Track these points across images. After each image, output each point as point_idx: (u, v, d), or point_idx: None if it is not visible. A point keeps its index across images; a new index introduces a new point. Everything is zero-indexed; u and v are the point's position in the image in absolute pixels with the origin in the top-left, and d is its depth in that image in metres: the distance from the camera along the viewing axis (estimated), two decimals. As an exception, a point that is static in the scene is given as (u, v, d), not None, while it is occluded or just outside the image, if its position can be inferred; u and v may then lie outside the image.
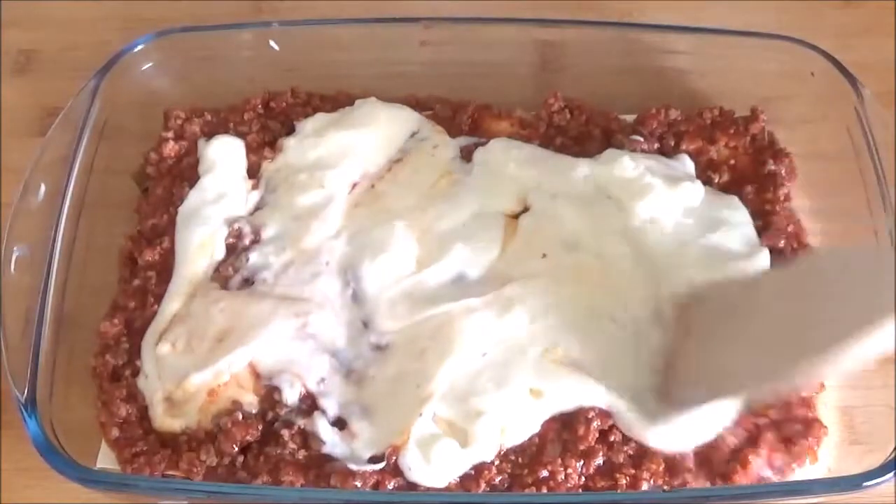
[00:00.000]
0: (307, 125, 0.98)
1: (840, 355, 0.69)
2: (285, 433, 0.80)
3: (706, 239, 0.89)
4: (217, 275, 0.89)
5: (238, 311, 0.86)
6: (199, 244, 0.90)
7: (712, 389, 0.79)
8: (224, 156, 0.96)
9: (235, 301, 0.87)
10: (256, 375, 0.83)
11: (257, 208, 0.94)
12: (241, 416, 0.81)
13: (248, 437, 0.80)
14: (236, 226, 0.92)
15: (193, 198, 0.93)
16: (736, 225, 0.90)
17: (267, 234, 0.91)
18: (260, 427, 0.81)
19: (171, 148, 0.97)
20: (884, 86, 0.99)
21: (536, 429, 0.81)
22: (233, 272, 0.89)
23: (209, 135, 0.98)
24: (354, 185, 0.95)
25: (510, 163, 0.94)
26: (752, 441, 0.80)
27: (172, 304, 0.87)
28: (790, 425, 0.81)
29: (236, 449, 0.80)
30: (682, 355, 0.83)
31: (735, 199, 0.93)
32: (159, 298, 0.88)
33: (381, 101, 0.99)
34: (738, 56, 0.99)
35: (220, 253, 0.90)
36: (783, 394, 0.81)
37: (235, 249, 0.91)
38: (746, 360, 0.77)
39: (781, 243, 0.90)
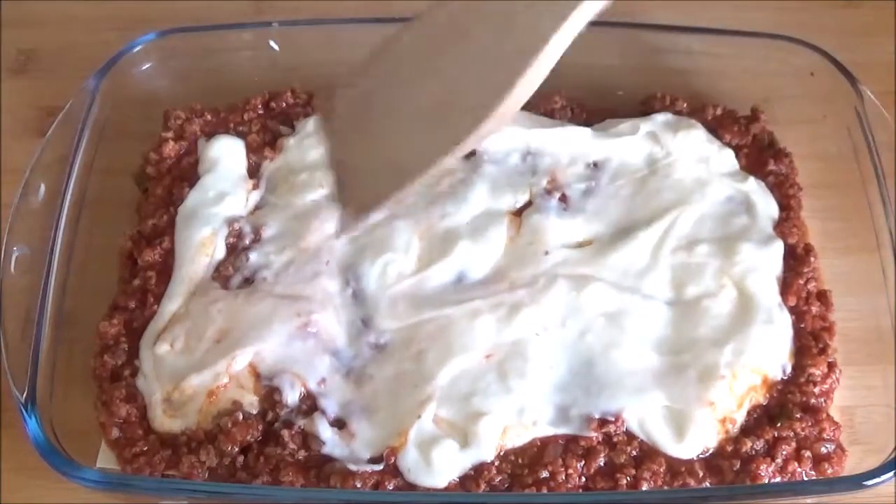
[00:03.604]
0: (307, 125, 0.98)
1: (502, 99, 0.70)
2: (285, 433, 0.80)
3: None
4: (217, 274, 0.90)
5: (237, 311, 0.86)
6: (199, 244, 0.90)
7: (386, 185, 0.77)
8: (224, 155, 0.96)
9: (235, 301, 0.87)
10: (257, 376, 0.83)
11: (257, 208, 0.94)
12: (241, 417, 0.81)
13: (249, 438, 0.80)
14: (236, 225, 0.92)
15: (193, 198, 0.93)
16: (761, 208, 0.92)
17: (267, 233, 0.92)
18: (260, 427, 0.81)
19: (171, 148, 0.97)
20: (884, 86, 0.99)
21: (539, 432, 0.81)
22: (233, 272, 0.89)
23: (209, 135, 0.98)
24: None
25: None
26: (770, 450, 0.80)
27: (171, 303, 0.87)
28: (819, 444, 0.81)
29: (236, 449, 0.80)
30: (347, 150, 0.81)
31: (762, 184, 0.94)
32: (159, 298, 0.88)
33: None
34: (738, 56, 1.00)
35: (221, 252, 0.91)
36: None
37: (236, 249, 0.91)
38: (411, 139, 0.75)
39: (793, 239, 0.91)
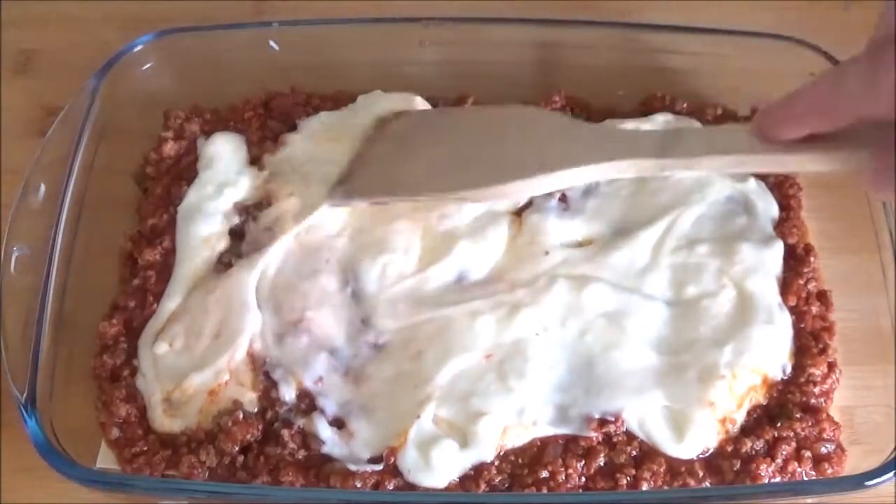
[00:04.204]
0: (312, 122, 0.98)
1: (497, 190, 0.81)
2: (285, 433, 0.80)
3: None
4: (220, 266, 0.89)
5: (230, 293, 0.86)
6: (201, 240, 0.90)
7: (385, 187, 0.87)
8: (223, 151, 0.96)
9: (228, 282, 0.86)
10: (255, 369, 0.83)
11: (261, 194, 0.94)
12: (241, 416, 0.81)
13: (249, 437, 0.80)
14: (238, 212, 0.92)
15: (193, 195, 0.93)
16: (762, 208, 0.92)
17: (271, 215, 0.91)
18: (260, 427, 0.81)
19: (170, 147, 0.97)
20: (884, 86, 0.99)
21: (539, 433, 0.81)
22: (235, 260, 0.89)
23: (208, 133, 0.98)
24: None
25: None
26: (770, 450, 0.80)
27: (170, 302, 0.87)
28: (819, 444, 0.81)
29: (237, 449, 0.80)
30: (373, 151, 0.91)
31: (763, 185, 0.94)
32: (159, 298, 0.88)
33: (384, 93, 0.99)
34: (739, 56, 0.99)
35: (223, 244, 0.90)
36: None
37: (238, 235, 0.91)
38: (423, 172, 0.85)
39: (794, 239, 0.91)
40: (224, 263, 0.89)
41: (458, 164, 0.84)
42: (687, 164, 0.74)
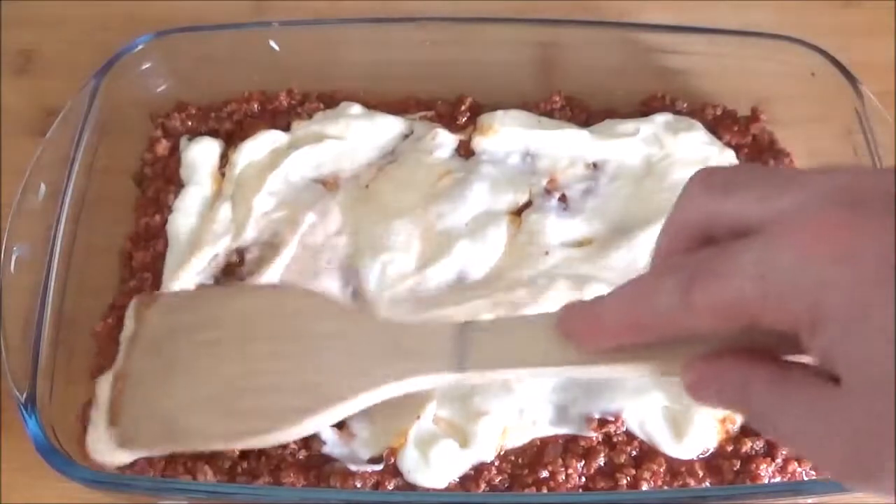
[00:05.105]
0: (298, 132, 0.98)
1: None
2: (287, 433, 0.80)
3: None
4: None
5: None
6: (187, 268, 0.88)
7: (164, 432, 0.73)
8: (204, 162, 0.95)
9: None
10: None
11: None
12: None
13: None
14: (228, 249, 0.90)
15: (179, 219, 0.92)
16: None
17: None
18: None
19: (163, 147, 0.97)
20: (884, 86, 0.99)
21: (540, 432, 0.81)
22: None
23: (194, 132, 0.98)
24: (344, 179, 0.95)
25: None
26: (770, 450, 0.80)
27: None
28: None
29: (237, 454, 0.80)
30: (135, 364, 0.77)
31: None
32: (156, 299, 0.88)
33: (361, 110, 0.98)
34: (738, 56, 0.99)
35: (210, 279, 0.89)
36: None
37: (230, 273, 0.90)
38: (198, 405, 0.72)
39: None
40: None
41: (229, 399, 0.72)
42: (484, 376, 0.65)
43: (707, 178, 0.53)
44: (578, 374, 0.64)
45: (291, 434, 0.70)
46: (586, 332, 0.57)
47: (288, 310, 0.75)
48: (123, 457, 0.76)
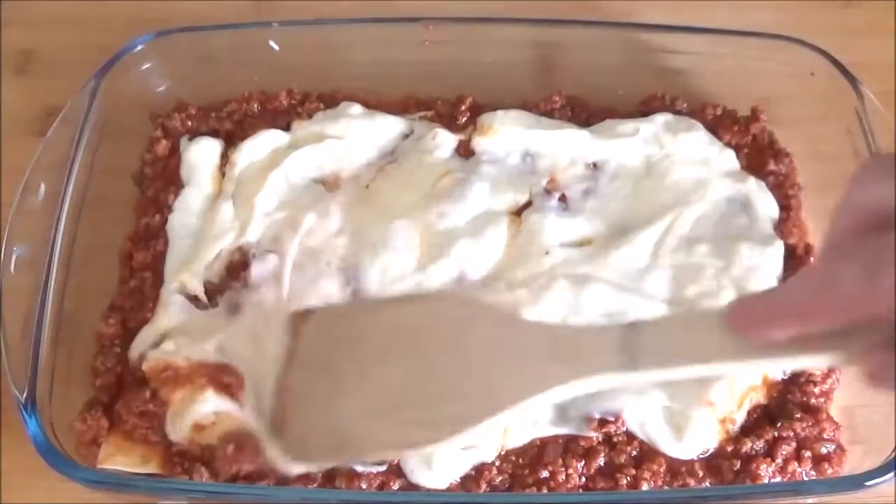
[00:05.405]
0: (299, 132, 0.98)
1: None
2: (288, 434, 0.80)
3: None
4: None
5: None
6: (186, 274, 0.88)
7: (332, 447, 0.72)
8: (204, 162, 0.95)
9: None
10: None
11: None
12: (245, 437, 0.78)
13: (247, 466, 0.78)
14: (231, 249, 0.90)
15: (179, 219, 0.92)
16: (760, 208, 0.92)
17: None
18: (261, 460, 0.77)
19: (163, 147, 0.97)
20: (884, 86, 0.99)
21: (540, 432, 0.81)
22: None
23: (194, 132, 0.98)
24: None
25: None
26: (770, 451, 0.80)
27: (163, 319, 0.86)
28: (819, 444, 0.81)
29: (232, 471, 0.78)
30: (295, 380, 0.75)
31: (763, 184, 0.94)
32: (155, 300, 0.87)
33: (362, 110, 0.98)
34: (738, 56, 1.00)
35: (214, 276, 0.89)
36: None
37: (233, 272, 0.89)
38: (367, 412, 0.70)
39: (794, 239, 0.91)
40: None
41: (397, 410, 0.70)
42: (657, 374, 0.63)
43: (883, 162, 0.53)
44: (751, 368, 0.62)
45: (454, 442, 0.68)
46: (763, 322, 0.56)
47: (447, 318, 0.73)
48: (298, 468, 0.75)
